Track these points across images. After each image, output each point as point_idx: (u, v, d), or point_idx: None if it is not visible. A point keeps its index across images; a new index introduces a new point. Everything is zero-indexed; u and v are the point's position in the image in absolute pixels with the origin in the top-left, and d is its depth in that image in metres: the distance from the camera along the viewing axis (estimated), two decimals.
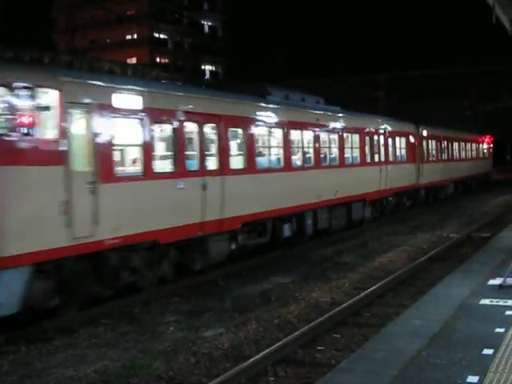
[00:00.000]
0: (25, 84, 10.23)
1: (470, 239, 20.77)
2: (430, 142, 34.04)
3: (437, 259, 17.07)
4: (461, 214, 28.72)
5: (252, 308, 12.41)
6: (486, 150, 51.77)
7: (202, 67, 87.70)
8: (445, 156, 37.55)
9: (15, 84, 10.09)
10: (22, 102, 10.16)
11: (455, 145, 40.65)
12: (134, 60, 73.85)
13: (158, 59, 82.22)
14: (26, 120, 10.21)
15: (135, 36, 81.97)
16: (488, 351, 7.55)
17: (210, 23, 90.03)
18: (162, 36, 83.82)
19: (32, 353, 9.94)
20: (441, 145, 36.75)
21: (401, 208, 29.32)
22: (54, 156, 10.65)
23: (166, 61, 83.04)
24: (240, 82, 21.11)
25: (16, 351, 10.00)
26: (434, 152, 34.92)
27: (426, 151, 33.13)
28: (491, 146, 53.92)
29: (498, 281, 11.37)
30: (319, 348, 9.67)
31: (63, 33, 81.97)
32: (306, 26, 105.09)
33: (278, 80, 50.93)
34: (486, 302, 10.09)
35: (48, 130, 10.69)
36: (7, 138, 9.97)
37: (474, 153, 46.81)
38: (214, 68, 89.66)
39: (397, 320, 9.64)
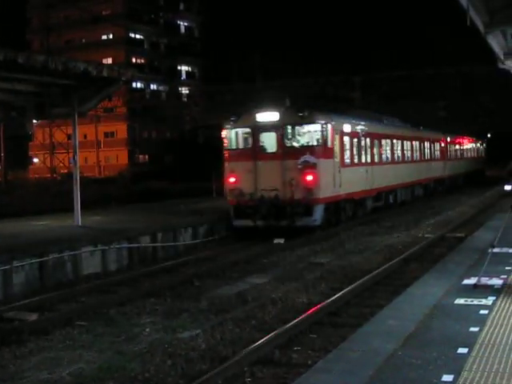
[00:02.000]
0: (324, 122, 22.74)
1: (444, 239, 20.91)
2: (451, 145, 46.93)
3: (412, 259, 17.15)
4: (436, 215, 28.93)
5: (228, 309, 12.40)
6: (481, 150, 64.72)
7: (179, 68, 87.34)
8: (459, 155, 50.33)
9: (322, 123, 22.70)
10: (324, 129, 22.62)
11: (465, 146, 53.75)
12: (109, 60, 73.18)
13: (133, 59, 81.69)
14: (325, 138, 22.69)
15: (111, 36, 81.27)
16: (463, 350, 7.59)
17: (186, 24, 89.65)
18: (137, 36, 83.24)
19: (6, 355, 9.83)
20: (456, 146, 49.34)
21: (436, 191, 41.12)
22: (330, 154, 23.05)
23: (142, 61, 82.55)
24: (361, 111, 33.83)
25: None
26: (453, 152, 47.88)
27: (448, 152, 45.59)
28: (485, 146, 66.56)
29: (472, 280, 11.44)
30: (296, 348, 9.67)
31: (37, 32, 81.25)
32: (282, 27, 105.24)
33: (254, 81, 50.97)
34: (460, 301, 10.13)
35: (329, 143, 22.93)
36: (321, 146, 22.48)
37: (474, 152, 59.50)
38: (190, 69, 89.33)
39: (373, 320, 9.65)
